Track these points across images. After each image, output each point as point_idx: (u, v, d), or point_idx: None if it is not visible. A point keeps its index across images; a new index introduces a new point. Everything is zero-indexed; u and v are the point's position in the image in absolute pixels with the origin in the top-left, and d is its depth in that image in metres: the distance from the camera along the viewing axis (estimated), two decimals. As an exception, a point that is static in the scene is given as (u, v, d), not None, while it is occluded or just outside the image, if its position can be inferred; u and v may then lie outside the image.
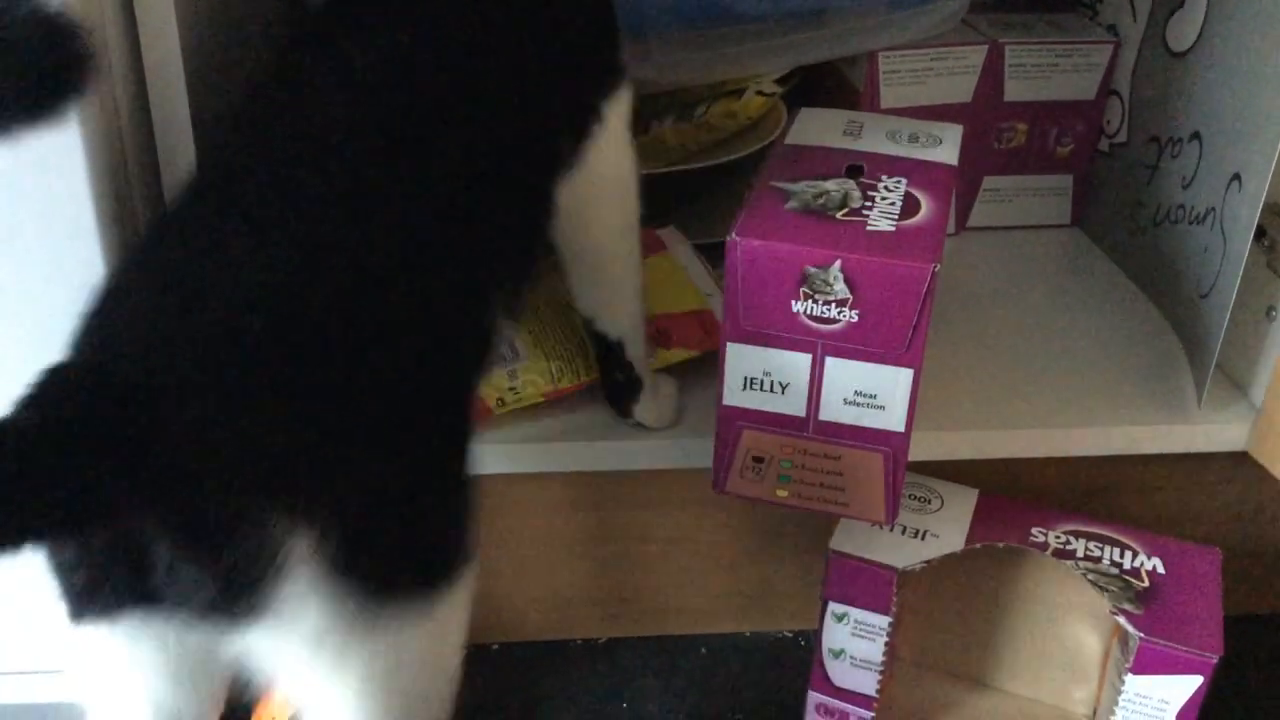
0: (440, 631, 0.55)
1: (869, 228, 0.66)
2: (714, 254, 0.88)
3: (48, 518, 0.44)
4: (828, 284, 0.65)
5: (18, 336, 0.64)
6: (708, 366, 0.82)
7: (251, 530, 0.47)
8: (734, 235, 0.66)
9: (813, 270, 0.65)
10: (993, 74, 1.00)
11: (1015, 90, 1.01)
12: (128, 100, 0.65)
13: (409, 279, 0.54)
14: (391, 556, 0.52)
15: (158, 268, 0.52)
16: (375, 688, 0.53)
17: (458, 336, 0.57)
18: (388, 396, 0.52)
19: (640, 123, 1.03)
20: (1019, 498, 0.79)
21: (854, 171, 0.72)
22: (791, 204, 0.69)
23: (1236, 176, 0.80)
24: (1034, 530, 0.76)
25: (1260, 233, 0.80)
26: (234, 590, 0.48)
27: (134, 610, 0.51)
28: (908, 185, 0.71)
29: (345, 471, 0.49)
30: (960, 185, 1.02)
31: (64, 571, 0.51)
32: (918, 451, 0.73)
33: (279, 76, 0.61)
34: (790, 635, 0.91)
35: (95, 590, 0.51)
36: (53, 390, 0.46)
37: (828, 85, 1.05)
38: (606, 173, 0.71)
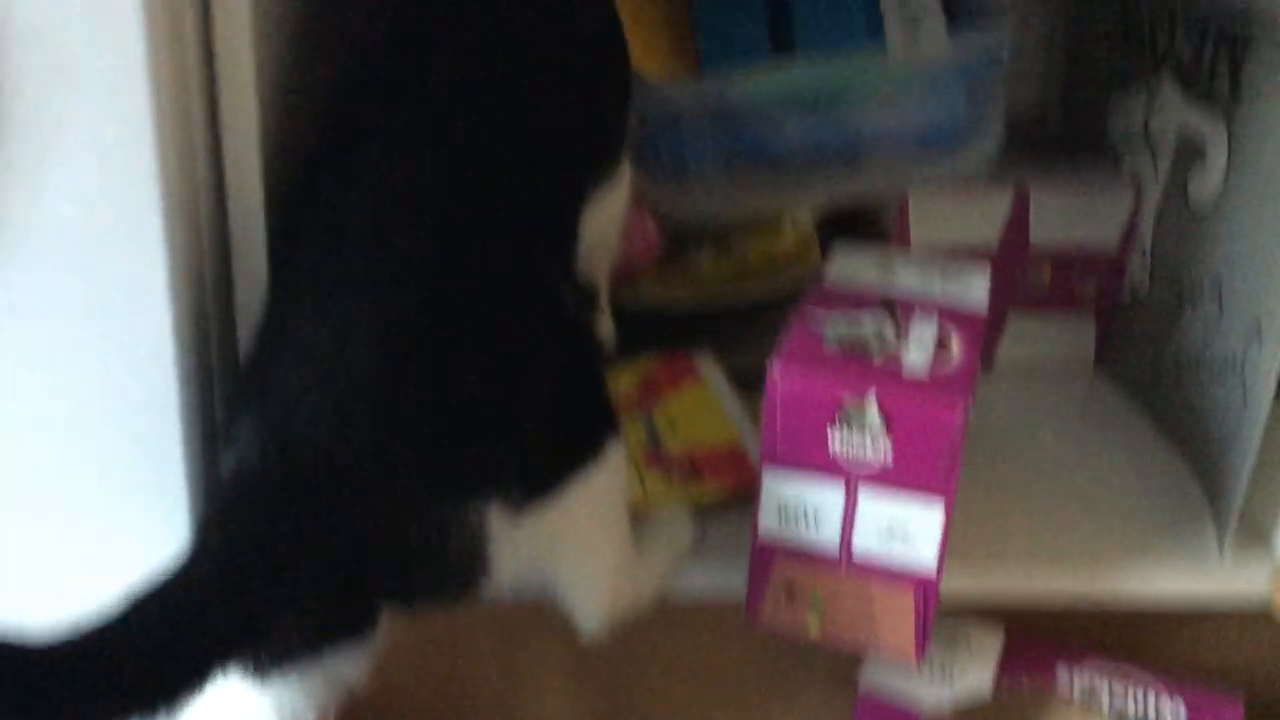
0: (608, 478, 0.68)
1: (904, 365, 0.68)
2: (748, 381, 0.89)
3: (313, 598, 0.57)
4: (863, 419, 0.66)
5: (75, 346, 0.65)
6: (734, 502, 0.82)
7: (459, 533, 0.59)
8: (773, 368, 0.67)
9: (849, 405, 0.66)
10: (1018, 218, 1.02)
11: (1040, 234, 1.04)
12: (202, 126, 0.66)
13: (492, 286, 0.63)
14: (555, 470, 0.64)
15: (289, 336, 0.61)
16: (578, 547, 0.67)
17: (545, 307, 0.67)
18: (504, 380, 0.62)
19: (678, 252, 1.06)
20: (1044, 635, 0.79)
21: (888, 309, 0.74)
22: (829, 339, 0.70)
23: (1258, 330, 0.82)
24: (1059, 669, 0.76)
25: (1282, 384, 0.82)
26: (464, 574, 0.61)
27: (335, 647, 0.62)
28: (940, 325, 0.73)
29: (496, 453, 0.61)
30: (986, 326, 1.04)
31: (277, 629, 0.60)
32: (944, 588, 0.73)
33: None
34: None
35: (305, 637, 0.61)
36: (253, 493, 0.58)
37: (859, 219, 1.07)
38: (615, 209, 0.81)
